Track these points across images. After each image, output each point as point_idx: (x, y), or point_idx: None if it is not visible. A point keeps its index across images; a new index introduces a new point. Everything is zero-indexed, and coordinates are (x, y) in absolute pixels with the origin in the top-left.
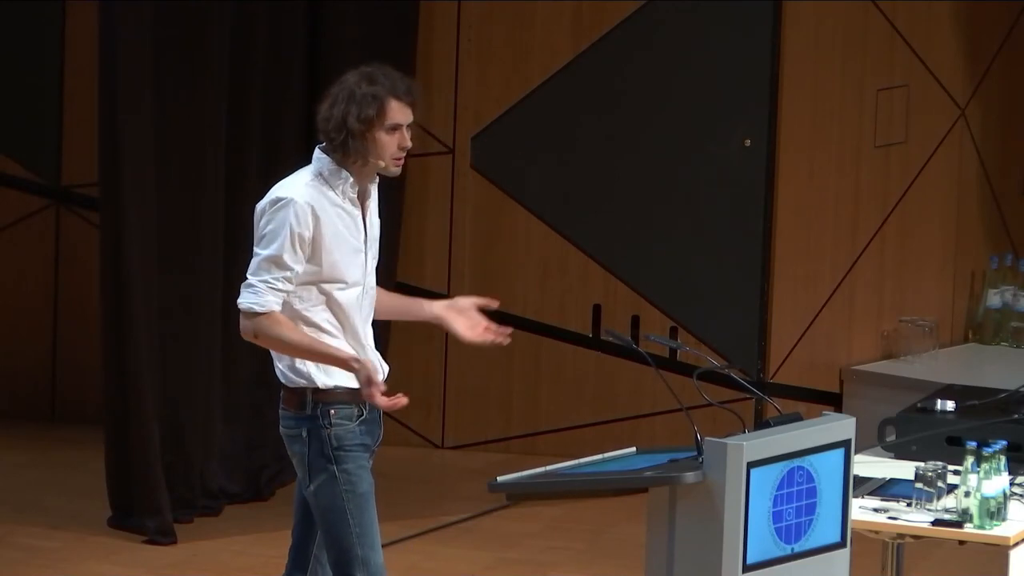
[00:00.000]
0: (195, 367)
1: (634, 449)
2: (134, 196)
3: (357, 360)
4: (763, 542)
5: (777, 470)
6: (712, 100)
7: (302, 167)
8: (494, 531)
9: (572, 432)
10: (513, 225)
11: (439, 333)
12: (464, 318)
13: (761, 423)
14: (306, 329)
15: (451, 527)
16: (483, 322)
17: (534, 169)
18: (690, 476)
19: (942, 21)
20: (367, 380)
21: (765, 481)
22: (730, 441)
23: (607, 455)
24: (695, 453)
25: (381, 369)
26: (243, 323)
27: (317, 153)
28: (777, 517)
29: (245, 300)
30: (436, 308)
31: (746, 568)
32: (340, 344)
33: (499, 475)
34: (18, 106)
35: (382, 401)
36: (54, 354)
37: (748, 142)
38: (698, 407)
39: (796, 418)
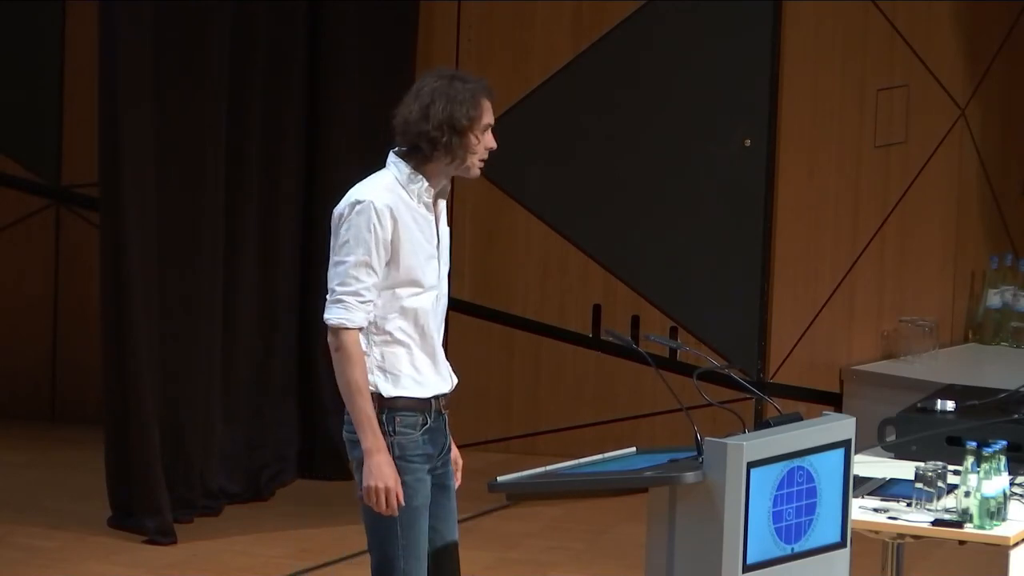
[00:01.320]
0: (195, 367)
1: (634, 449)
2: (134, 196)
3: (380, 473)
4: (763, 542)
5: (777, 470)
6: (712, 100)
7: (301, 167)
8: (494, 531)
9: (572, 432)
10: (513, 225)
11: None
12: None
13: (761, 423)
14: (376, 337)
15: None
16: None
17: (534, 169)
18: (690, 476)
19: (942, 21)
20: (379, 503)
21: (765, 481)
22: (730, 441)
23: (607, 455)
24: (695, 453)
25: (451, 380)
26: (332, 335)
27: (392, 157)
28: (777, 517)
29: (335, 315)
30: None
31: (746, 568)
32: (415, 356)
33: (499, 475)
34: (18, 106)
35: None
36: (54, 354)
37: (748, 142)
38: (698, 407)
39: (796, 418)
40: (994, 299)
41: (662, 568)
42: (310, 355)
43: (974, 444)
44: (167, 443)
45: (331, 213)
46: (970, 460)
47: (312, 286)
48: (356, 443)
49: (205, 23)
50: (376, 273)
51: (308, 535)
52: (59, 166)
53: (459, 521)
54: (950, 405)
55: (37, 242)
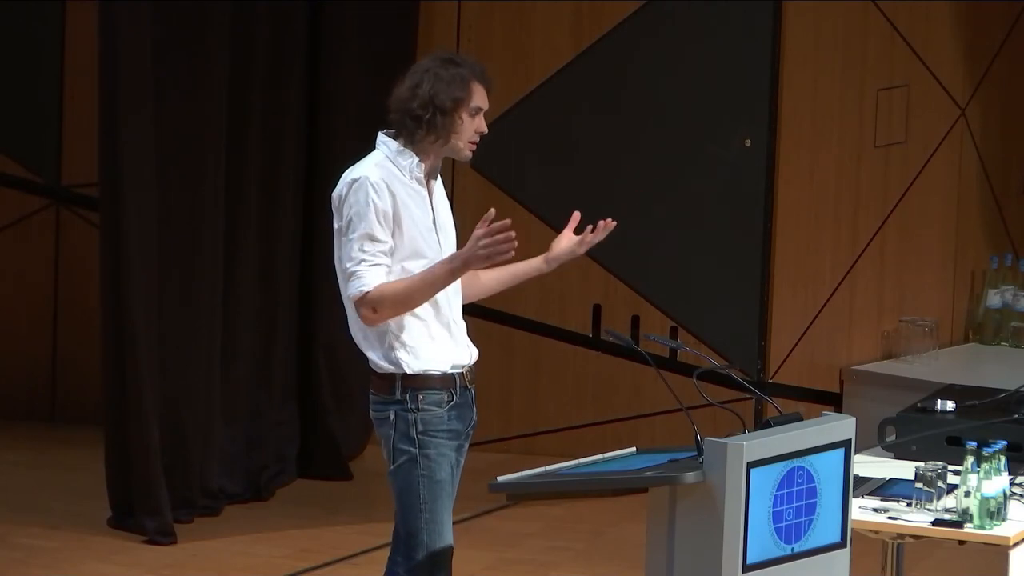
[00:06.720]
0: (195, 367)
1: (634, 449)
2: (134, 196)
3: (454, 257)
4: (763, 542)
5: (777, 470)
6: (712, 100)
7: (301, 168)
8: (494, 531)
9: (572, 432)
10: (513, 225)
11: None
12: (567, 241)
13: (761, 423)
14: None
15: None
16: (583, 235)
17: (534, 169)
18: (690, 476)
19: (942, 21)
20: (479, 255)
21: (765, 481)
22: (730, 441)
23: (607, 455)
24: (695, 453)
25: (470, 351)
26: (360, 311)
27: (381, 137)
28: (777, 517)
29: (352, 288)
30: (539, 258)
31: (746, 568)
32: (430, 322)
33: (499, 475)
34: (18, 106)
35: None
36: (54, 354)
37: (748, 142)
38: (698, 407)
39: (796, 418)
40: (994, 299)
41: (662, 568)
42: (310, 355)
43: (974, 444)
44: (167, 443)
45: (331, 214)
46: (970, 460)
47: (312, 286)
48: (382, 421)
49: (205, 23)
50: (383, 241)
51: (308, 535)
52: (59, 166)
53: (459, 521)
54: (950, 405)
55: (37, 242)
